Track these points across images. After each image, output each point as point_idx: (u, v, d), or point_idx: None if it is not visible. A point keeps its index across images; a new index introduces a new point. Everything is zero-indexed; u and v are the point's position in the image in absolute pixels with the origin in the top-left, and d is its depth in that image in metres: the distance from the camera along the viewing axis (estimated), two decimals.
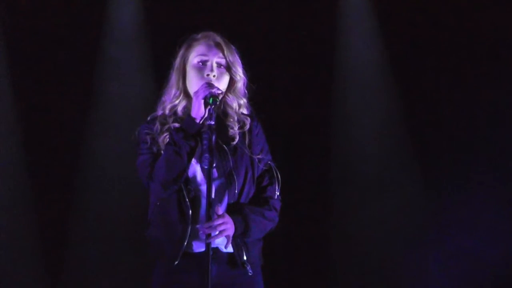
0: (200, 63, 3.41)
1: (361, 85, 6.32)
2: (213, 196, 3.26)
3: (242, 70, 3.48)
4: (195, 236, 3.31)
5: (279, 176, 3.48)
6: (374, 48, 6.27)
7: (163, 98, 3.49)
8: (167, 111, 3.43)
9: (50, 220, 6.08)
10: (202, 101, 3.27)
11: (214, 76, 3.39)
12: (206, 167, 3.19)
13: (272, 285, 6.14)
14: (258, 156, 3.44)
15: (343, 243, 6.27)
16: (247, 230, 3.33)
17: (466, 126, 6.06)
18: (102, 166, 6.14)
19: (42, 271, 6.10)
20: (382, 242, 6.17)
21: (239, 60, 3.48)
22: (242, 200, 3.39)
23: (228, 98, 3.45)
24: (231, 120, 3.45)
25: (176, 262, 3.29)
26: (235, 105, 3.47)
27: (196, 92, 3.31)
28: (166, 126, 3.39)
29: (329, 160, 6.32)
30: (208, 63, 3.40)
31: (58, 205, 6.11)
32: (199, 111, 3.29)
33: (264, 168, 3.47)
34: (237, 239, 3.33)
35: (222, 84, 3.41)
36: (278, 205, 3.48)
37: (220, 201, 3.33)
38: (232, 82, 3.46)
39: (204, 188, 3.32)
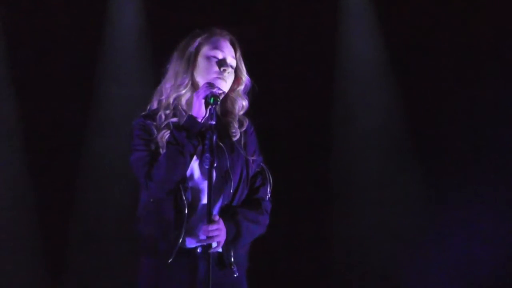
0: (215, 57, 3.40)
1: (361, 85, 6.32)
2: (212, 197, 3.25)
3: (247, 73, 3.49)
4: (189, 233, 3.31)
5: (271, 178, 3.49)
6: (374, 47, 6.27)
7: (164, 87, 3.45)
8: (171, 100, 3.40)
9: (51, 220, 6.08)
10: (203, 100, 3.27)
11: (228, 72, 3.40)
12: (207, 166, 3.19)
13: (272, 285, 6.16)
14: (252, 157, 3.45)
15: (343, 243, 6.27)
16: (238, 237, 3.35)
17: (466, 126, 6.06)
18: (103, 166, 6.14)
19: (43, 271, 6.10)
20: (382, 242, 6.17)
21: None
22: (236, 200, 3.40)
23: (232, 98, 3.45)
24: (231, 119, 3.46)
25: (170, 260, 3.29)
26: (237, 105, 3.48)
27: (197, 92, 3.31)
28: (165, 122, 3.38)
29: (329, 160, 6.31)
30: (224, 60, 3.41)
31: (59, 205, 6.11)
32: (199, 110, 3.28)
33: (257, 169, 3.47)
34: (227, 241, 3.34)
35: (228, 83, 3.43)
36: (269, 207, 3.50)
37: (216, 200, 3.33)
38: (237, 83, 3.46)
39: (201, 186, 3.34)
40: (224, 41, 3.44)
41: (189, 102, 3.39)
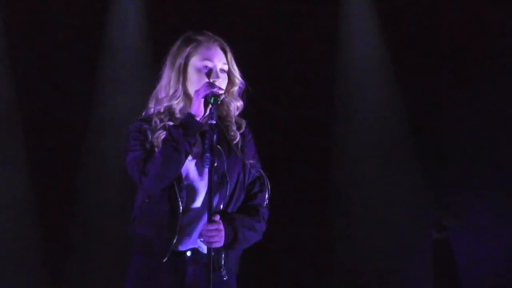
0: (205, 68, 3.38)
1: (362, 85, 6.32)
2: (206, 197, 3.27)
3: (240, 73, 3.47)
4: (182, 234, 3.31)
5: (269, 185, 3.48)
6: (375, 47, 6.27)
7: (158, 95, 3.42)
8: (162, 110, 3.39)
9: (51, 220, 6.08)
10: (203, 100, 3.27)
11: (219, 82, 3.38)
12: (207, 166, 3.19)
13: (272, 285, 6.16)
14: (250, 161, 3.44)
15: (343, 243, 6.27)
16: (234, 243, 3.33)
17: (467, 125, 6.07)
18: (103, 166, 6.14)
19: (44, 271, 6.11)
20: (382, 242, 6.17)
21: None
22: (232, 204, 3.38)
23: (226, 100, 3.43)
24: (229, 121, 3.44)
25: (165, 259, 3.28)
26: (232, 107, 3.46)
27: (197, 91, 3.30)
28: (162, 124, 3.35)
29: (329, 160, 6.32)
30: (214, 69, 3.38)
31: (59, 206, 6.11)
32: (198, 109, 3.27)
33: (255, 174, 3.46)
34: None
35: (223, 88, 3.39)
36: (266, 214, 3.48)
37: (212, 202, 3.29)
38: (230, 85, 3.44)
39: (196, 186, 3.33)
40: (214, 49, 3.40)
41: (183, 111, 3.39)
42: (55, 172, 6.13)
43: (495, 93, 6.01)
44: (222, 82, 3.39)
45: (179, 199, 3.29)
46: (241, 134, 3.45)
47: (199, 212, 3.33)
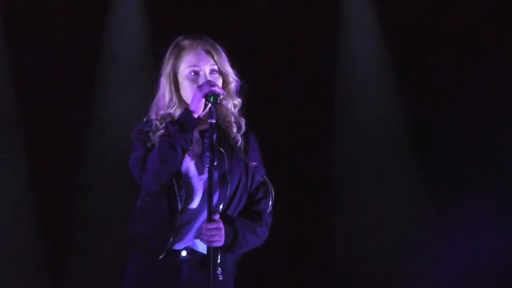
0: (193, 74, 3.37)
1: (362, 85, 6.31)
2: (204, 196, 3.28)
3: (233, 70, 3.46)
4: (178, 233, 3.32)
5: (273, 192, 3.48)
6: (375, 47, 6.27)
7: (158, 103, 3.45)
8: (160, 116, 3.41)
9: (51, 220, 6.08)
10: (203, 98, 3.27)
11: None
12: (207, 165, 3.19)
13: (273, 285, 6.16)
14: (254, 163, 3.44)
15: (344, 244, 6.27)
16: (234, 244, 3.34)
17: (467, 125, 6.06)
18: (103, 166, 6.14)
19: (44, 271, 6.10)
20: (382, 242, 6.17)
21: (227, 61, 3.44)
22: (233, 206, 3.38)
23: (223, 100, 3.43)
24: (228, 122, 3.45)
25: (161, 256, 3.29)
26: (230, 106, 3.46)
27: (199, 86, 3.30)
28: (163, 125, 3.37)
29: (329, 159, 6.32)
30: (201, 73, 3.37)
31: (60, 205, 6.11)
32: (197, 105, 3.27)
33: (260, 180, 3.46)
34: None
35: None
36: (269, 220, 3.48)
37: (211, 201, 3.30)
38: (225, 84, 3.43)
39: (195, 184, 3.33)
40: (198, 53, 3.39)
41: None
42: (55, 172, 6.13)
43: (495, 93, 6.01)
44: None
45: (178, 198, 3.29)
46: (244, 138, 3.46)
47: (197, 211, 3.34)
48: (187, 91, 3.38)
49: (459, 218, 6.01)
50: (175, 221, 3.29)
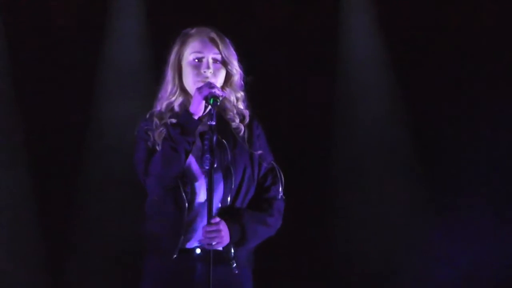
0: (196, 60, 3.37)
1: (362, 85, 6.32)
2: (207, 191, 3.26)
3: (238, 63, 3.45)
4: (188, 231, 3.31)
5: (282, 177, 3.45)
6: (375, 47, 6.27)
7: (159, 95, 3.45)
8: (163, 108, 3.41)
9: (51, 220, 6.08)
10: (203, 100, 3.26)
11: (210, 72, 3.36)
12: (207, 167, 3.19)
13: (272, 285, 6.16)
14: (258, 152, 3.42)
15: (344, 243, 6.27)
16: (243, 240, 3.32)
17: (468, 125, 6.06)
18: (103, 166, 6.13)
19: (44, 271, 6.10)
20: (382, 242, 6.17)
21: (234, 53, 3.44)
22: (240, 198, 3.37)
23: (226, 92, 3.40)
24: (231, 113, 3.43)
25: (174, 256, 3.28)
26: (232, 98, 3.44)
27: (198, 88, 3.29)
28: (163, 121, 3.36)
29: (329, 160, 6.32)
30: (204, 60, 3.37)
31: (60, 206, 6.11)
32: (198, 107, 3.27)
33: (267, 167, 3.44)
34: None
35: (219, 79, 3.39)
36: (282, 206, 3.46)
37: (217, 197, 3.30)
38: (228, 76, 3.42)
39: (200, 181, 3.32)
40: (202, 40, 3.39)
41: (182, 106, 3.40)
42: (55, 172, 6.13)
43: (495, 93, 6.01)
44: (216, 73, 3.38)
45: (183, 195, 3.29)
46: (248, 127, 3.44)
47: (205, 205, 3.31)
48: (189, 78, 3.38)
49: (459, 218, 6.01)
50: (183, 217, 3.28)
